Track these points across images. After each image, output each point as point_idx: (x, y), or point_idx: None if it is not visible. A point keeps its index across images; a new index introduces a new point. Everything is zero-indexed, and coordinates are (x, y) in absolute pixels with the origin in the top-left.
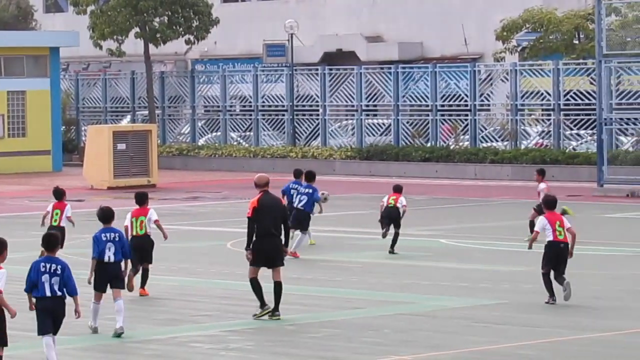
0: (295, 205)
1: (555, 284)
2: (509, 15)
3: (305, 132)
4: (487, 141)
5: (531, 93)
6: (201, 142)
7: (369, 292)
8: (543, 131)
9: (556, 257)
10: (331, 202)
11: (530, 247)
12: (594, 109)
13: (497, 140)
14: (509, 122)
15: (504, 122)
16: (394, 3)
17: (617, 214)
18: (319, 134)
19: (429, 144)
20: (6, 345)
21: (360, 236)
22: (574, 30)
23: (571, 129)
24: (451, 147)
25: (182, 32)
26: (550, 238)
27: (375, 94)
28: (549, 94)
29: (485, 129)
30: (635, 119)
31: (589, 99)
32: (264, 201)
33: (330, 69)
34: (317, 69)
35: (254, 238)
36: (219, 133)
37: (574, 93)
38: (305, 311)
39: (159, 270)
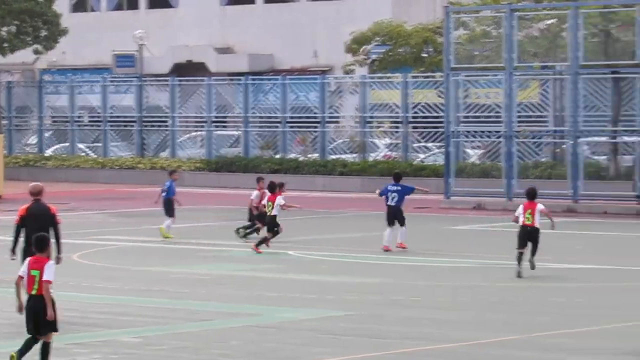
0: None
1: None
2: (359, 27)
3: (154, 144)
4: (336, 153)
5: (380, 105)
6: (49, 152)
7: (217, 304)
8: (391, 143)
9: (526, 237)
10: (180, 214)
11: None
12: (442, 122)
13: (346, 153)
14: (358, 134)
15: (352, 134)
16: (245, 14)
17: (463, 225)
18: (168, 146)
19: (278, 156)
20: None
21: (209, 248)
22: (423, 44)
23: (419, 142)
24: (300, 159)
25: (30, 42)
26: (520, 222)
27: (224, 106)
28: (398, 107)
29: (335, 141)
30: (482, 131)
31: (437, 112)
32: (32, 209)
33: (180, 80)
34: (166, 80)
35: (20, 244)
36: (67, 144)
37: (422, 106)
38: (153, 323)
39: (5, 283)
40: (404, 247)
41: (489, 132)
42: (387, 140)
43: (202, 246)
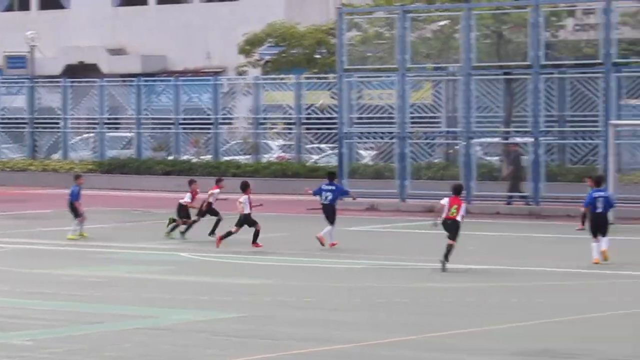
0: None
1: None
2: (252, 28)
3: (46, 145)
4: (229, 155)
5: (273, 107)
6: None
7: (110, 306)
8: (285, 145)
9: (447, 228)
10: (70, 216)
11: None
12: (335, 123)
13: (239, 154)
14: (251, 135)
15: (246, 135)
16: (137, 15)
17: (357, 227)
18: (60, 147)
19: (171, 158)
20: None
21: (103, 250)
22: (316, 45)
23: (312, 143)
24: (193, 161)
25: None
26: (444, 216)
27: (117, 107)
28: (291, 108)
29: (228, 143)
30: (375, 133)
31: (330, 113)
32: None
33: (72, 82)
34: (58, 82)
35: None
36: None
37: (316, 107)
38: (46, 326)
39: None
40: (322, 242)
41: (382, 133)
42: (281, 142)
43: (95, 248)
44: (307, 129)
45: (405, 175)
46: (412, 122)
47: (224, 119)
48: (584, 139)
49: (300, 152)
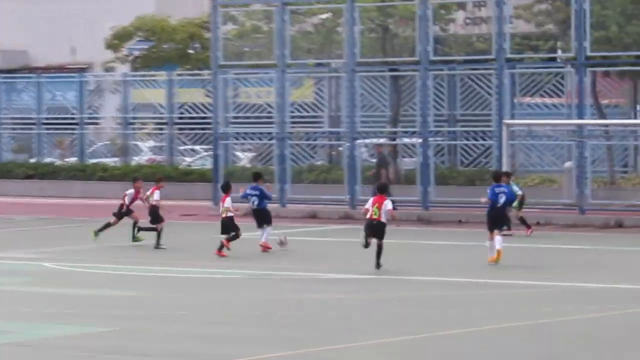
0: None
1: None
2: (120, 22)
3: None
4: (95, 157)
5: (143, 105)
6: None
7: None
8: (156, 146)
9: (371, 229)
10: None
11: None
12: (210, 123)
13: (106, 156)
14: (120, 136)
15: (114, 136)
16: None
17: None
18: None
19: (33, 160)
20: None
21: None
22: (189, 39)
23: (186, 144)
24: (57, 164)
25: None
26: (368, 216)
27: None
28: (162, 107)
29: (94, 144)
30: (253, 133)
31: (204, 112)
32: None
33: None
34: None
35: None
36: None
37: (189, 106)
38: None
39: None
40: (267, 248)
41: (261, 133)
42: (152, 143)
43: None
44: (180, 129)
45: (285, 178)
46: (293, 122)
47: (90, 118)
48: (475, 140)
49: (173, 154)
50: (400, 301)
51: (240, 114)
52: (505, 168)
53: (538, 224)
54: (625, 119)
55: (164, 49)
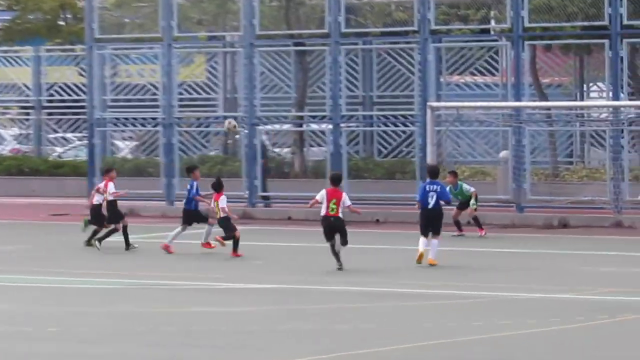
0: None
1: None
2: None
3: None
4: None
5: (6, 86)
6: None
7: None
8: (21, 134)
9: (332, 229)
10: None
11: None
12: (85, 107)
13: None
14: None
15: None
16: None
17: (112, 237)
18: None
19: None
20: None
21: None
22: (59, 9)
23: (56, 132)
24: None
25: None
26: (323, 213)
27: None
28: (28, 88)
29: None
30: (135, 118)
31: (78, 94)
32: None
33: None
34: None
35: None
36: None
37: (60, 87)
38: None
39: None
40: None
41: (144, 119)
42: (16, 131)
43: None
44: (49, 114)
45: (173, 172)
46: (182, 106)
47: None
48: (396, 126)
49: (41, 144)
50: (307, 315)
51: (120, 96)
52: (430, 158)
53: (469, 223)
54: (570, 101)
55: (30, 20)
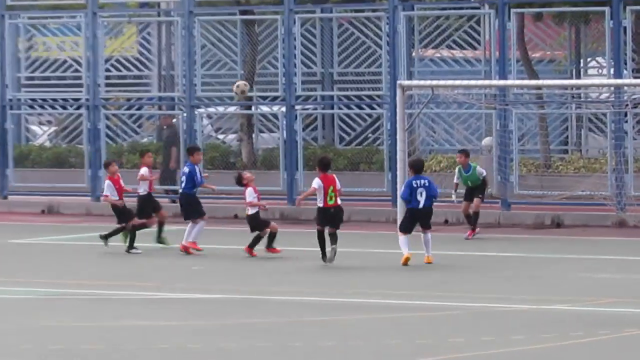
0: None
1: None
2: None
3: None
4: None
5: None
6: None
7: None
8: None
9: (328, 219)
10: None
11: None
12: None
13: None
14: None
15: None
16: None
17: (31, 238)
18: None
19: None
20: None
21: None
22: None
23: None
24: None
25: None
26: (321, 204)
27: None
28: None
29: None
30: (54, 100)
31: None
32: None
33: None
34: None
35: None
36: None
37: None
38: None
39: None
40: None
41: (65, 100)
42: None
43: None
44: None
45: (98, 162)
46: (109, 85)
47: None
48: (360, 108)
49: None
50: (256, 330)
51: (36, 74)
52: (401, 145)
53: (446, 222)
54: (565, 79)
55: None
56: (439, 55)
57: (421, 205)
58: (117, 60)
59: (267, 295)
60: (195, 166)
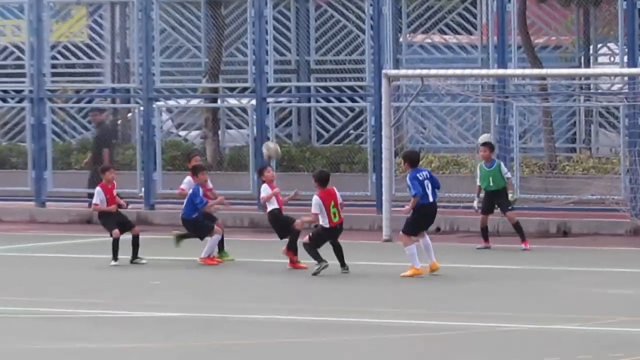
0: None
1: None
2: None
3: None
4: None
5: None
6: None
7: None
8: None
9: (336, 234)
10: None
11: None
12: None
13: None
14: None
15: None
16: None
17: None
18: None
19: None
20: None
21: None
22: None
23: None
24: None
25: None
26: (327, 225)
27: None
28: None
29: None
30: None
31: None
32: None
33: None
34: None
35: None
36: None
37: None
38: None
39: None
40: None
41: (5, 92)
42: None
43: None
44: None
45: (43, 162)
46: (55, 74)
47: None
48: (341, 101)
49: None
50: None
51: None
52: (386, 143)
53: (438, 230)
54: (572, 68)
55: None
56: (429, 40)
57: (431, 199)
58: (65, 47)
59: (237, 313)
60: (200, 187)
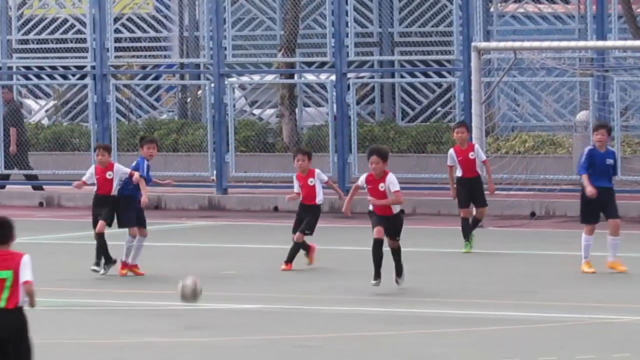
0: None
1: None
2: None
3: None
4: None
5: None
6: None
7: None
8: None
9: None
10: None
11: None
12: None
13: None
14: None
15: None
16: None
17: None
18: None
19: None
20: None
21: None
22: None
23: None
24: None
25: None
26: (371, 207)
27: None
28: None
29: None
30: (53, 68)
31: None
32: None
33: None
34: None
35: None
36: None
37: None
38: None
39: None
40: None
41: (66, 68)
42: None
43: None
44: None
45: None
46: (119, 49)
47: None
48: (427, 76)
49: None
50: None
51: (31, 36)
52: (476, 121)
53: (533, 215)
54: None
55: None
56: (522, 10)
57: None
58: (129, 19)
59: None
60: (145, 161)
